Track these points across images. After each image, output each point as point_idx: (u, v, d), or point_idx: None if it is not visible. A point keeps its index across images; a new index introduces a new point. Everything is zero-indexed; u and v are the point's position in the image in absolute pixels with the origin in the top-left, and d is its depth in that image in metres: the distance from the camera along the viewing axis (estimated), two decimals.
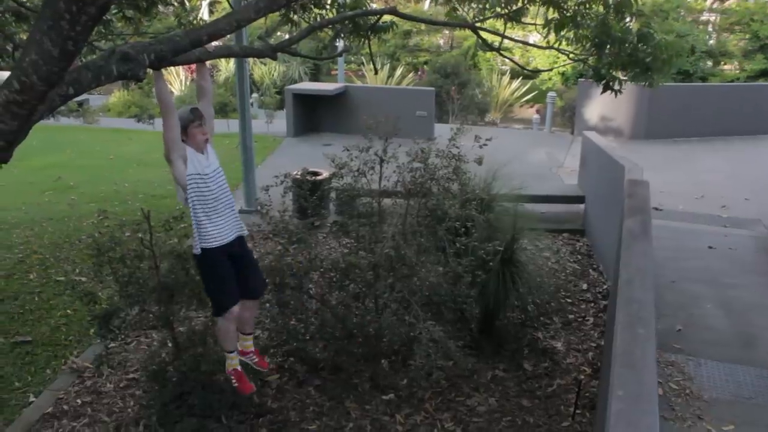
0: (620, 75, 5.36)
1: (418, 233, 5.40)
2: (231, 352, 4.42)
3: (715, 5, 27.83)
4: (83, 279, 7.42)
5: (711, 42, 23.67)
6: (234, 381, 4.46)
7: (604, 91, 5.44)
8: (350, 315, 5.50)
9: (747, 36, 23.19)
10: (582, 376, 5.72)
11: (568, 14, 5.11)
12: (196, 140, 4.05)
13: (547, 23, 5.18)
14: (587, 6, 5.06)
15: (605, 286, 7.41)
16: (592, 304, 7.07)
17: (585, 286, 7.51)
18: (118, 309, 4.88)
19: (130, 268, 4.88)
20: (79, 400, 5.48)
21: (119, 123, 18.62)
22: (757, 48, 22.73)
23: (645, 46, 5.02)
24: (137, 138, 16.23)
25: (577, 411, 5.24)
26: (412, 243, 5.22)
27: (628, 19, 5.20)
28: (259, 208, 5.58)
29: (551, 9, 5.18)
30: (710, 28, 25.02)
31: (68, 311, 6.90)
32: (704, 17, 25.76)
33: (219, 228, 4.06)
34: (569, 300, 7.14)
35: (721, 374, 5.11)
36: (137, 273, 4.88)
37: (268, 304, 5.60)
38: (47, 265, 8.07)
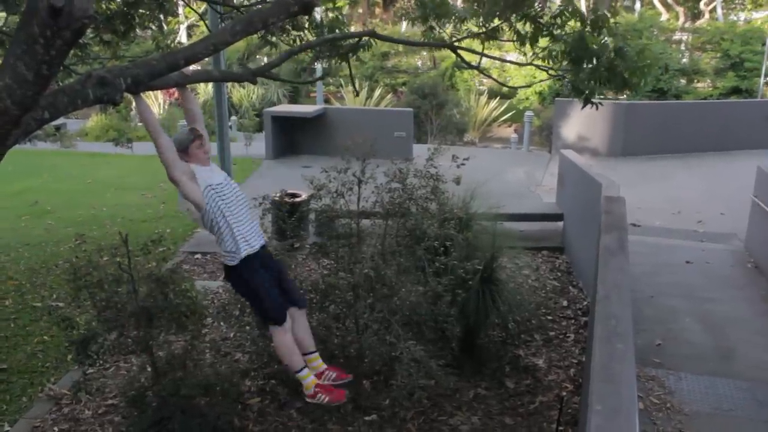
0: (596, 91, 5.44)
1: (398, 253, 5.41)
2: (300, 370, 4.32)
3: (686, 24, 28.38)
4: (60, 304, 7.33)
5: (684, 60, 24.09)
6: (324, 398, 4.31)
7: (584, 105, 5.50)
8: (331, 336, 5.48)
9: (718, 54, 23.65)
10: (564, 393, 5.72)
11: (543, 27, 5.19)
12: (199, 159, 4.06)
13: (521, 37, 5.24)
14: (562, 19, 5.13)
15: (585, 303, 7.45)
16: (573, 321, 7.10)
17: (565, 303, 7.55)
18: (96, 334, 4.82)
19: (107, 292, 4.83)
20: (56, 428, 5.39)
21: (97, 147, 18.51)
22: (728, 66, 23.18)
23: (622, 60, 5.10)
24: (115, 162, 16.14)
25: (560, 428, 5.25)
26: (391, 263, 5.23)
27: (603, 37, 5.28)
28: None
29: (527, 23, 5.25)
30: (683, 47, 25.46)
31: (45, 337, 6.81)
32: (677, 36, 26.24)
33: (245, 235, 4.06)
34: (550, 317, 7.17)
35: (701, 387, 5.15)
36: (115, 297, 4.83)
37: (248, 327, 5.57)
38: (23, 291, 7.97)
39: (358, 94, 13.31)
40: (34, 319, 7.21)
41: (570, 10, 5.10)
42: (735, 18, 29.08)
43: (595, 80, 5.31)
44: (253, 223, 4.20)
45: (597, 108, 5.56)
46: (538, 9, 5.16)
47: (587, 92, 5.39)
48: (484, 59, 5.86)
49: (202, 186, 3.98)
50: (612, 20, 5.13)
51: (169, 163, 3.90)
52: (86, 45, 7.00)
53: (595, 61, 5.21)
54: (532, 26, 5.24)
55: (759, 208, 7.89)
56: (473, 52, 5.81)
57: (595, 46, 5.14)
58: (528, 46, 5.31)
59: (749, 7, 31.52)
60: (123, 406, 5.29)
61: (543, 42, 5.32)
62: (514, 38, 5.37)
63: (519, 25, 5.30)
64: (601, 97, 5.52)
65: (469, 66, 5.86)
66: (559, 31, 5.20)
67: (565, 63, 5.38)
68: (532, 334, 6.72)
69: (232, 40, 3.56)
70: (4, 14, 7.30)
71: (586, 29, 5.15)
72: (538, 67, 5.68)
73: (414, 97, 21.33)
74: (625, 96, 5.60)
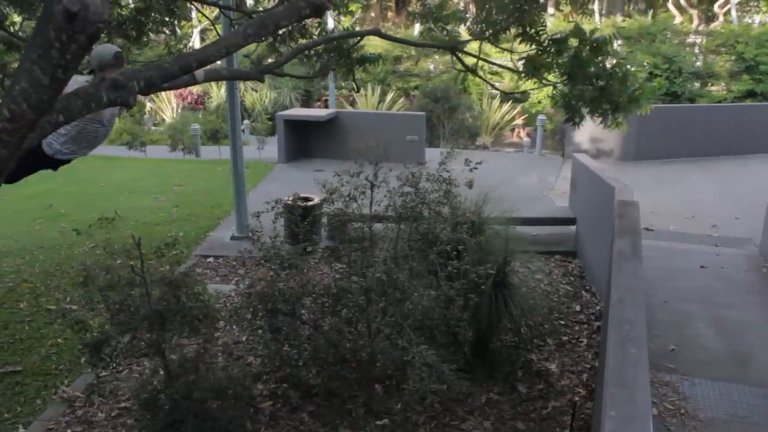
0: (585, 112, 5.44)
1: (410, 257, 5.40)
2: None
3: (700, 27, 28.22)
4: (74, 307, 7.37)
5: (698, 63, 23.93)
6: None
7: (566, 121, 5.50)
8: (343, 340, 5.47)
9: (732, 57, 23.47)
10: (577, 398, 5.69)
11: (545, 46, 5.18)
12: None
13: (521, 60, 5.25)
14: (560, 44, 5.13)
15: (598, 307, 7.41)
16: (586, 326, 7.07)
17: (578, 308, 7.51)
18: (110, 337, 4.84)
19: (121, 295, 4.85)
20: (69, 431, 5.42)
21: (110, 151, 18.60)
22: (743, 69, 23.00)
23: (615, 84, 5.09)
24: (128, 166, 16.24)
25: None
26: (403, 267, 5.22)
27: (601, 58, 5.26)
28: (250, 234, 5.57)
29: (529, 44, 5.26)
30: (697, 50, 25.30)
31: (59, 340, 6.85)
32: (690, 39, 26.07)
33: None
34: (562, 322, 7.14)
35: (716, 393, 5.11)
36: (128, 300, 4.85)
37: (260, 330, 5.58)
38: (38, 294, 8.02)
39: (357, 90, 13.44)
40: (49, 321, 7.25)
41: (572, 31, 5.09)
42: (750, 20, 28.88)
43: (585, 100, 5.31)
44: None
45: (578, 127, 5.57)
46: (539, 29, 5.16)
47: (575, 111, 5.39)
48: (492, 66, 5.88)
49: None
50: (624, 24, 5.11)
51: None
52: None
53: (589, 82, 5.20)
54: (532, 45, 5.24)
55: None
56: (473, 55, 5.81)
57: (592, 69, 5.13)
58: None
59: (764, 9, 31.31)
60: (136, 409, 5.30)
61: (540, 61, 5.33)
62: (517, 51, 5.38)
63: (519, 46, 5.32)
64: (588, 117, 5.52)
65: (468, 69, 5.86)
66: (555, 53, 5.20)
67: (561, 76, 5.38)
68: (545, 339, 6.69)
69: (243, 43, 3.57)
70: (19, 19, 7.35)
71: (583, 49, 5.13)
72: (533, 76, 5.67)
73: (426, 101, 21.31)
74: (609, 124, 5.54)
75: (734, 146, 15.66)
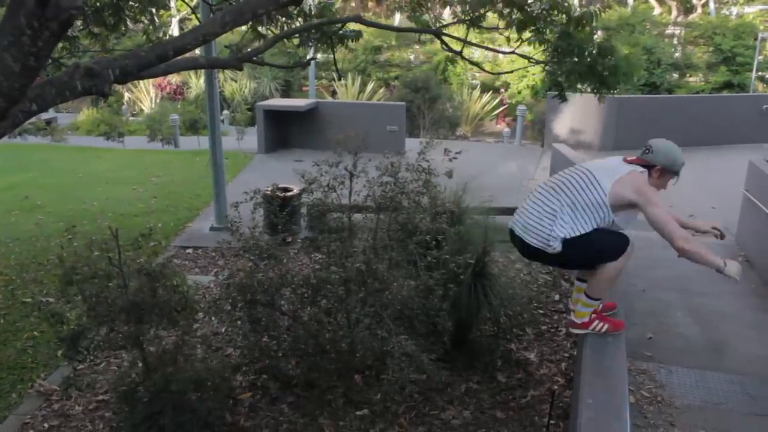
0: (578, 85, 5.48)
1: (389, 247, 5.40)
2: (597, 299, 4.49)
3: (679, 19, 28.41)
4: (50, 300, 7.29)
5: (676, 55, 24.12)
6: (601, 326, 4.47)
7: (554, 96, 5.54)
8: (322, 330, 5.47)
9: (710, 49, 23.69)
10: (556, 387, 5.73)
11: (531, 16, 5.20)
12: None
13: (509, 23, 5.26)
14: (550, 12, 5.15)
15: None
16: (565, 315, 7.10)
17: (557, 297, 7.55)
18: (87, 329, 4.79)
19: (98, 287, 4.80)
20: (46, 425, 5.37)
21: (88, 141, 18.42)
22: (720, 60, 23.23)
23: (604, 59, 5.13)
24: (106, 156, 16.07)
25: (552, 421, 5.25)
26: (383, 257, 5.21)
27: (590, 30, 5.30)
28: (229, 225, 5.54)
29: (515, 10, 5.27)
30: (675, 42, 25.49)
31: (35, 333, 6.78)
32: (669, 31, 26.27)
33: None
34: (541, 311, 7.17)
35: (691, 381, 5.16)
36: (105, 292, 4.80)
37: (239, 322, 5.55)
38: (13, 287, 7.92)
39: (340, 78, 13.40)
40: (24, 314, 7.17)
41: (558, 3, 5.12)
42: (727, 12, 29.11)
43: (574, 76, 5.34)
44: None
45: (564, 101, 5.63)
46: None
47: (563, 88, 5.42)
48: (477, 53, 5.90)
49: None
50: (602, 14, 5.15)
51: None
52: (75, 38, 6.94)
53: (577, 58, 5.24)
54: (520, 13, 5.25)
55: (750, 202, 7.90)
56: (458, 39, 5.82)
57: (581, 44, 5.16)
58: (515, 33, 5.33)
59: (741, 1, 31.58)
60: (114, 402, 5.26)
61: (529, 34, 5.35)
62: (502, 25, 5.38)
63: (507, 11, 5.32)
64: (582, 91, 5.57)
65: (452, 51, 5.86)
66: (544, 23, 5.22)
67: (548, 52, 5.41)
68: (524, 328, 6.71)
69: (221, 31, 3.54)
70: None
71: (570, 25, 5.16)
72: (521, 56, 5.70)
73: (407, 91, 21.30)
74: (597, 96, 5.61)
75: (711, 137, 15.81)
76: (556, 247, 4.29)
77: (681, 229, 4.13)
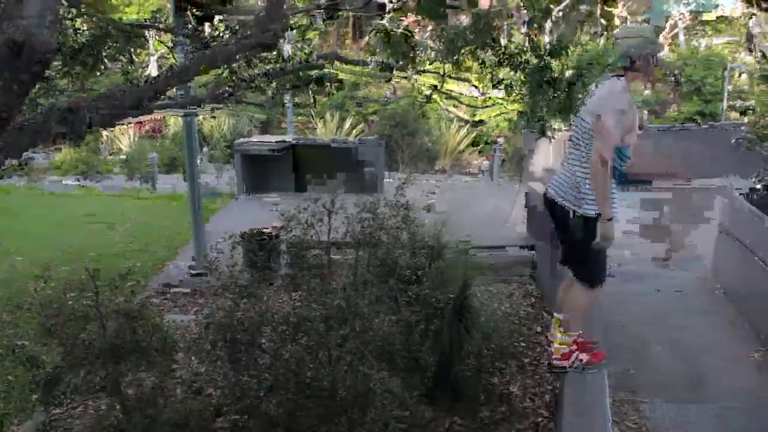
0: (555, 121, 5.57)
1: (369, 283, 5.38)
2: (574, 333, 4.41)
3: None
4: (26, 343, 7.15)
5: (647, 92, 24.50)
6: (581, 361, 4.35)
7: (541, 135, 5.61)
8: (304, 369, 5.41)
9: (683, 79, 24.11)
10: (540, 420, 5.71)
11: (505, 56, 5.30)
12: None
13: (482, 64, 5.35)
14: (521, 57, 5.26)
15: None
16: (547, 347, 7.10)
17: (539, 329, 7.55)
18: (63, 373, 4.72)
19: (75, 330, 4.74)
20: None
21: (66, 181, 18.31)
22: (693, 90, 23.64)
23: (577, 94, 5.22)
24: (84, 196, 15.96)
25: None
26: (363, 293, 5.20)
27: (563, 63, 5.40)
28: (208, 263, 5.50)
29: (489, 52, 5.37)
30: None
31: (9, 377, 6.63)
32: None
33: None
34: (524, 344, 7.16)
35: (672, 415, 5.17)
36: (83, 335, 4.74)
37: (219, 362, 5.48)
38: None
39: (315, 105, 13.47)
40: None
41: (530, 44, 5.23)
42: (696, 44, 29.74)
43: (552, 107, 5.43)
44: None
45: (550, 141, 5.71)
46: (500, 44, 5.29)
47: (542, 121, 5.51)
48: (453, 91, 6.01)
49: None
50: (574, 51, 5.27)
51: None
52: (52, 77, 6.91)
53: (552, 90, 5.33)
54: (495, 55, 5.35)
55: (724, 235, 8.00)
56: (434, 73, 5.90)
57: (555, 76, 5.26)
58: (487, 76, 5.44)
59: (709, 33, 32.30)
60: None
61: (502, 74, 5.45)
62: (477, 68, 5.48)
63: (482, 54, 5.42)
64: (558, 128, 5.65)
65: (430, 95, 5.95)
66: (518, 59, 5.32)
67: (523, 90, 5.50)
68: (507, 362, 6.70)
69: (198, 73, 3.56)
70: None
71: (544, 58, 5.26)
72: (496, 98, 5.80)
73: (385, 126, 21.42)
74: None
75: (686, 169, 16.04)
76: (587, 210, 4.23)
77: (610, 156, 4.04)
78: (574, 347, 4.54)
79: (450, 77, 5.87)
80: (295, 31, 6.57)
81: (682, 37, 29.57)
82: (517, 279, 9.22)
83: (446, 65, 5.77)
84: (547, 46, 5.30)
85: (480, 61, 5.43)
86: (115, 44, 7.08)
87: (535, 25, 5.59)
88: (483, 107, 19.44)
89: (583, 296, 4.45)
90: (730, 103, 22.59)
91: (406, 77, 5.70)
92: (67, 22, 6.55)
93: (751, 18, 26.32)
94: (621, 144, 4.12)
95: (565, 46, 5.34)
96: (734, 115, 22.52)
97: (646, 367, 5.94)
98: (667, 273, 8.80)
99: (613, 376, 5.40)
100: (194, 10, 6.70)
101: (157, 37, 9.77)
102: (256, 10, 5.58)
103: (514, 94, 5.61)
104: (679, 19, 29.23)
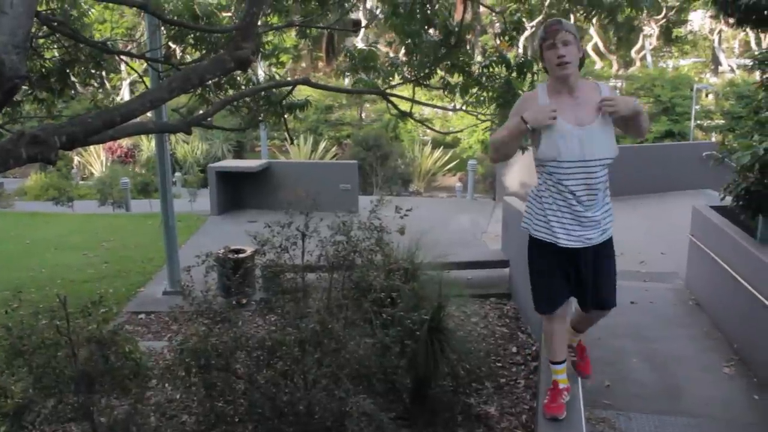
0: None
1: (344, 306, 5.37)
2: (556, 363, 4.13)
3: (620, 72, 29.47)
4: None
5: None
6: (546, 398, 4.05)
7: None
8: (279, 393, 5.37)
9: (651, 100, 24.57)
10: None
11: (473, 78, 5.36)
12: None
13: (451, 88, 5.40)
14: (491, 69, 5.31)
15: (534, 348, 7.49)
16: (523, 367, 7.12)
17: (515, 349, 7.57)
18: (32, 402, 4.63)
19: (45, 357, 4.66)
20: None
21: (36, 206, 18.08)
22: (661, 110, 24.08)
23: None
24: (55, 221, 15.76)
25: None
26: (338, 316, 5.19)
27: (531, 78, 5.48)
28: (182, 288, 5.46)
29: (456, 74, 5.43)
30: (617, 93, 26.33)
31: None
32: (612, 83, 27.18)
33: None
34: (500, 364, 7.18)
35: (650, 427, 5.20)
36: (53, 362, 4.66)
37: (194, 387, 5.42)
38: None
39: (292, 142, 13.46)
40: None
41: (497, 57, 5.29)
42: (664, 65, 30.35)
43: None
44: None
45: (523, 152, 5.77)
46: (468, 60, 5.34)
47: None
48: (426, 110, 6.07)
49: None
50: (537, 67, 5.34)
51: None
52: (19, 103, 6.84)
53: None
54: (463, 77, 5.41)
55: (696, 247, 8.12)
56: (405, 98, 5.95)
57: (522, 91, 5.33)
58: (458, 95, 5.48)
59: (676, 54, 33.04)
60: None
61: (472, 90, 5.50)
62: (444, 88, 5.53)
63: (450, 77, 5.48)
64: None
65: (402, 113, 5.98)
66: (486, 79, 5.38)
67: (493, 107, 5.55)
68: (483, 382, 6.70)
69: (168, 97, 3.56)
70: None
71: (512, 74, 5.33)
72: (467, 112, 5.84)
73: (359, 149, 21.51)
74: None
75: (656, 184, 16.31)
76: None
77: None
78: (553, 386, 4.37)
79: (419, 102, 5.89)
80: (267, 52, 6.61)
81: (649, 58, 30.20)
82: (493, 297, 9.24)
83: (416, 88, 5.80)
84: (520, 59, 5.38)
85: (447, 84, 5.48)
86: (83, 69, 7.02)
87: (506, 38, 5.67)
88: (454, 132, 19.64)
89: (544, 323, 4.38)
90: (698, 122, 23.04)
91: (379, 93, 5.69)
92: (39, 40, 6.47)
93: (719, 33, 26.97)
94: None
95: (534, 59, 5.41)
96: (701, 134, 22.97)
97: (622, 380, 5.97)
98: (642, 285, 8.88)
99: (589, 389, 5.43)
100: (169, 29, 6.65)
101: (127, 61, 9.70)
102: (229, 28, 5.60)
103: (482, 114, 5.67)
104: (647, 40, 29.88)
